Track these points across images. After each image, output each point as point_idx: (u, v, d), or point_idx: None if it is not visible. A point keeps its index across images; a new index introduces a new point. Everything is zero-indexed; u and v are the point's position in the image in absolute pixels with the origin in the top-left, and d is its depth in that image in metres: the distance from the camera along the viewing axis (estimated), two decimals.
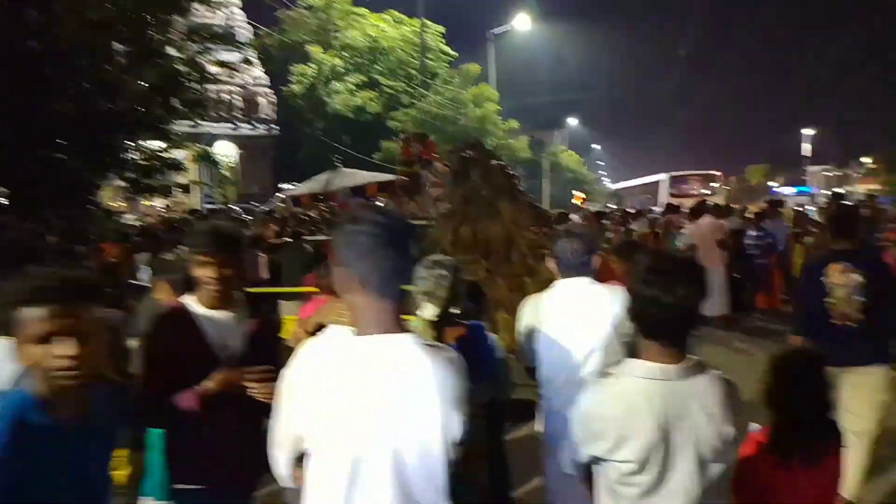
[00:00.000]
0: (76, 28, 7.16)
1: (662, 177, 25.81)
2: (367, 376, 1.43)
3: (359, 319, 1.48)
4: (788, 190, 63.90)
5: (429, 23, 31.32)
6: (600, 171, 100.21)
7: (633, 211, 14.00)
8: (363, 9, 31.86)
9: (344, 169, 17.57)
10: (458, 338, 2.51)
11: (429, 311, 2.47)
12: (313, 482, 1.47)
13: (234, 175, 26.33)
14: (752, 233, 10.07)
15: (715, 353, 7.67)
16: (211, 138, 25.96)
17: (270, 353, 2.36)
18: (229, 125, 26.52)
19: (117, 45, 9.07)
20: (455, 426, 1.47)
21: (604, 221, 11.08)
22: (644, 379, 1.67)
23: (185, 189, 11.09)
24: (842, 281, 3.54)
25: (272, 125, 27.34)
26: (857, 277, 3.50)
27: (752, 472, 2.12)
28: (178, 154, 11.51)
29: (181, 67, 9.80)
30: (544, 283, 8.00)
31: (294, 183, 35.32)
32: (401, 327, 1.49)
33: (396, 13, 32.00)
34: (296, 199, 16.73)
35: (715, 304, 9.71)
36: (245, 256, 2.54)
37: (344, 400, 1.43)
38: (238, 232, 2.45)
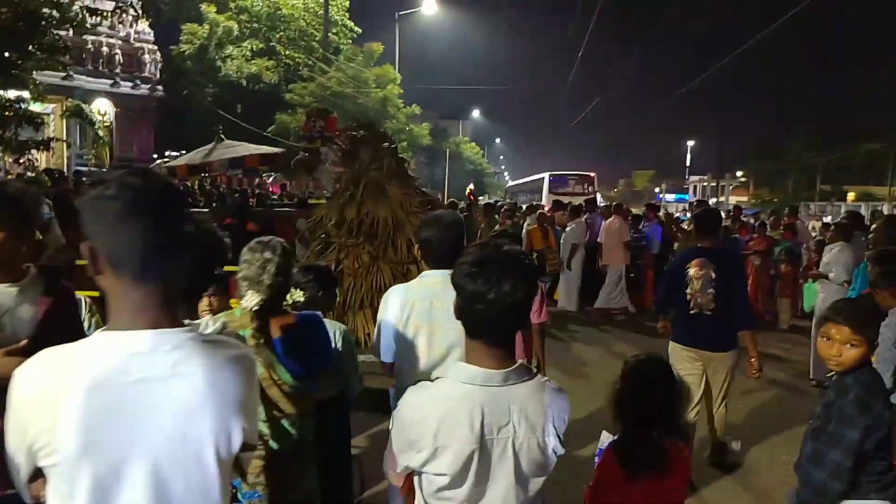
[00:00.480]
0: None
1: (545, 176, 27.77)
2: (121, 380, 1.14)
3: (112, 310, 1.18)
4: (670, 196, 68.59)
5: None
6: (502, 166, 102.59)
7: (524, 206, 14.29)
8: None
9: (228, 141, 16.64)
10: (285, 329, 2.24)
11: (250, 299, 2.18)
12: (55, 500, 1.15)
13: (109, 136, 24.20)
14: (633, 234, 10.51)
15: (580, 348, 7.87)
16: (86, 94, 23.67)
17: (69, 336, 1.98)
18: (107, 81, 24.28)
19: None
20: (235, 434, 1.23)
21: (496, 215, 11.13)
22: (465, 384, 1.50)
23: (45, 146, 9.83)
24: (698, 274, 4.02)
25: (156, 86, 25.32)
26: (710, 272, 3.99)
27: (604, 487, 2.02)
28: (42, 107, 10.25)
29: (44, 10, 8.66)
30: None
31: (181, 151, 33.35)
32: (171, 319, 1.20)
33: None
34: (172, 170, 15.61)
35: (615, 299, 10.10)
36: (34, 221, 2.12)
37: (93, 408, 1.12)
38: (22, 192, 2.03)
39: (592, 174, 27.87)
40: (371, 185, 8.21)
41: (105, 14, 10.22)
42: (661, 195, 70.28)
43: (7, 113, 8.92)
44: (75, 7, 9.86)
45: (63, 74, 10.00)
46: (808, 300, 7.34)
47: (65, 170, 22.15)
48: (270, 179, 22.02)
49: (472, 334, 1.55)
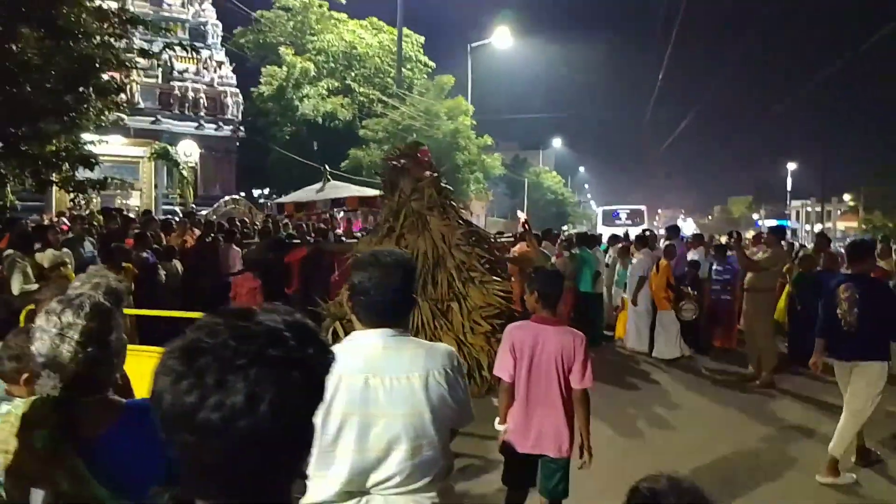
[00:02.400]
0: None
1: (598, 210, 30.11)
2: None
3: None
4: (771, 223, 64.25)
5: (409, 32, 30.70)
6: (587, 195, 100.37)
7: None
8: (343, 14, 31.17)
9: (334, 182, 16.79)
10: (103, 424, 1.56)
11: (42, 385, 1.56)
12: None
13: (194, 176, 25.29)
14: (716, 266, 9.29)
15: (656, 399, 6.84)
16: (172, 137, 24.92)
17: None
18: (192, 123, 25.50)
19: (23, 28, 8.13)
20: None
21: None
22: None
23: (101, 186, 10.02)
24: (845, 297, 4.72)
25: (238, 126, 26.34)
26: (855, 294, 4.68)
27: None
28: (101, 149, 10.52)
29: (97, 53, 8.83)
30: (473, 311, 7.04)
31: (263, 189, 34.58)
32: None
33: (376, 20, 31.33)
34: (281, 206, 16.34)
35: (669, 348, 8.94)
36: None
37: None
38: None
39: (643, 207, 30.08)
40: (411, 217, 7.69)
41: (157, 55, 10.37)
42: (759, 222, 66.13)
43: (63, 155, 9.10)
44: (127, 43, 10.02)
45: (117, 115, 10.13)
46: None
47: (152, 208, 23.32)
48: (342, 215, 22.06)
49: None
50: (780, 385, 7.31)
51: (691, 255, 10.09)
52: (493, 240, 8.73)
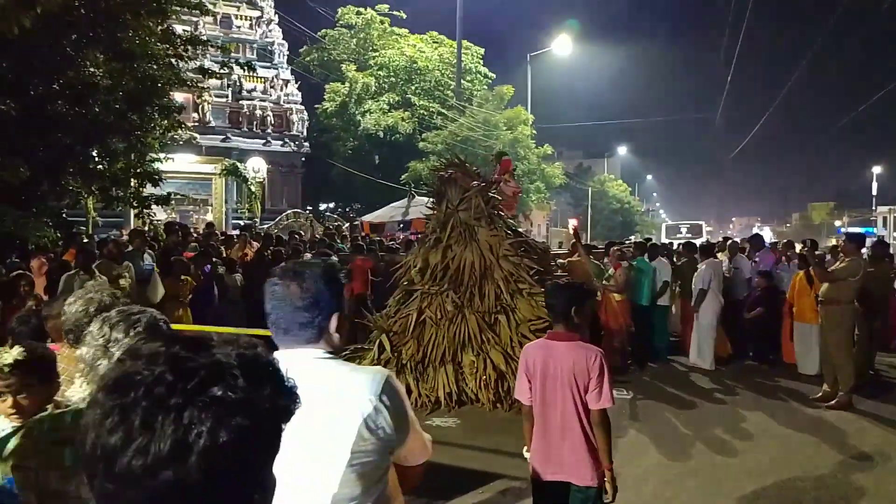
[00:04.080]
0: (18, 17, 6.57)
1: (662, 226, 33.29)
2: None
3: None
4: (854, 230, 60.35)
5: (468, 44, 30.80)
6: (656, 203, 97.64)
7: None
8: (403, 29, 31.64)
9: (419, 198, 16.91)
10: None
11: (76, 390, 1.54)
12: None
13: (261, 191, 26.14)
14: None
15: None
16: (241, 153, 25.88)
17: None
18: (260, 140, 26.44)
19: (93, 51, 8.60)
20: None
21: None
22: None
23: (164, 202, 10.42)
24: None
25: (303, 142, 27.13)
26: None
27: None
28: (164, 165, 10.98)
29: (160, 72, 9.24)
30: (522, 324, 6.86)
31: (329, 203, 35.39)
32: None
33: (436, 34, 31.63)
34: (358, 225, 16.90)
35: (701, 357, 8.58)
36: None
37: None
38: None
39: (702, 222, 33.61)
40: (459, 228, 7.58)
41: (216, 73, 10.74)
42: (842, 229, 62.42)
43: (129, 172, 9.53)
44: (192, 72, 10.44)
45: (190, 134, 10.58)
46: None
47: (223, 223, 24.24)
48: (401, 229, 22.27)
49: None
50: (858, 406, 6.75)
51: (763, 266, 9.56)
52: (542, 250, 8.48)
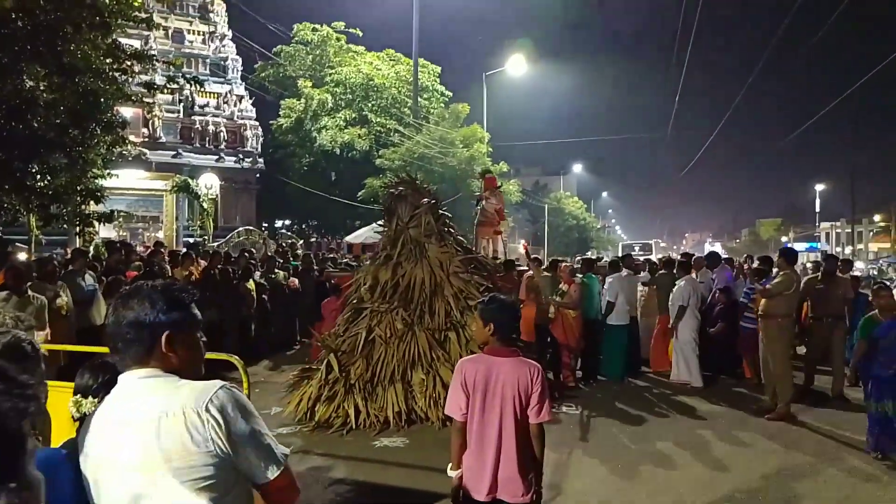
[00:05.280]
0: None
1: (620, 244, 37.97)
2: None
3: None
4: (800, 245, 62.72)
5: (425, 62, 31.02)
6: (612, 220, 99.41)
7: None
8: (360, 47, 31.70)
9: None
10: None
11: None
12: None
13: (214, 207, 25.64)
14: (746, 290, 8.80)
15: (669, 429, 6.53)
16: (193, 170, 25.39)
17: None
18: (213, 156, 26.00)
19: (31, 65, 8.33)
20: None
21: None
22: None
23: (107, 219, 10.11)
24: None
25: (257, 158, 26.79)
26: None
27: None
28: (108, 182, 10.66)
29: (103, 86, 8.99)
30: (472, 341, 6.85)
31: (285, 220, 34.93)
32: None
33: (393, 52, 31.79)
34: (349, 246, 16.79)
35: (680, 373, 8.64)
36: None
37: None
38: None
39: (652, 241, 38.31)
40: (409, 245, 7.57)
41: (161, 88, 10.53)
42: (788, 244, 64.73)
43: (70, 189, 9.22)
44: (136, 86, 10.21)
45: (139, 150, 10.27)
46: None
47: (174, 240, 23.64)
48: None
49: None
50: (800, 417, 6.95)
51: (720, 281, 9.71)
52: (492, 266, 8.52)
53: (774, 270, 7.75)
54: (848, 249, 58.94)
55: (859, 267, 35.16)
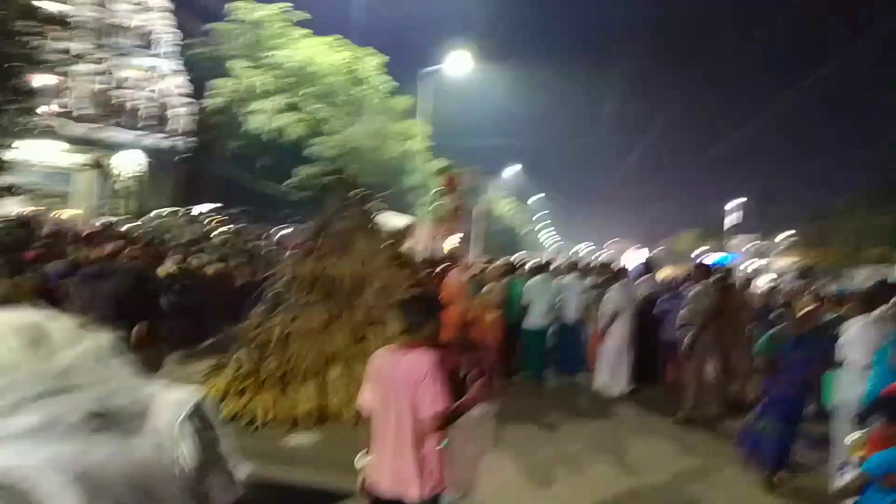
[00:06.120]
0: None
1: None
2: None
3: None
4: (715, 256, 65.91)
5: (373, 50, 30.55)
6: (545, 221, 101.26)
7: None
8: (307, 30, 30.82)
9: (387, 211, 15.96)
10: None
11: None
12: None
13: (138, 187, 24.41)
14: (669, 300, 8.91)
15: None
16: (113, 147, 24.06)
17: None
18: (138, 133, 24.72)
19: None
20: None
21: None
22: None
23: (8, 192, 9.41)
24: None
25: (185, 138, 25.67)
26: None
27: None
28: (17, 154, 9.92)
29: (12, 50, 8.34)
30: (393, 338, 6.78)
31: (205, 204, 33.58)
32: None
33: (341, 37, 31.07)
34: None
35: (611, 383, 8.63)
36: None
37: None
38: None
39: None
40: (334, 238, 7.41)
41: (82, 55, 9.86)
42: (700, 258, 67.74)
43: None
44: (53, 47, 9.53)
45: (30, 119, 9.50)
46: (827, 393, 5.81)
47: (88, 220, 22.35)
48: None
49: None
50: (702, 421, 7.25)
51: (644, 288, 9.92)
52: (420, 263, 8.48)
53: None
54: (761, 263, 62.39)
55: (771, 278, 37.33)
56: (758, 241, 66.93)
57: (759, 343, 5.68)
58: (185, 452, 1.32)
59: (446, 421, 2.86)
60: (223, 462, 1.45)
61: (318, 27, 30.75)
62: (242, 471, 1.51)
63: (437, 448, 2.91)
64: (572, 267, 10.05)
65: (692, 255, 70.21)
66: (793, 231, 63.41)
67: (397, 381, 2.86)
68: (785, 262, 63.78)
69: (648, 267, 10.92)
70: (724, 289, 8.32)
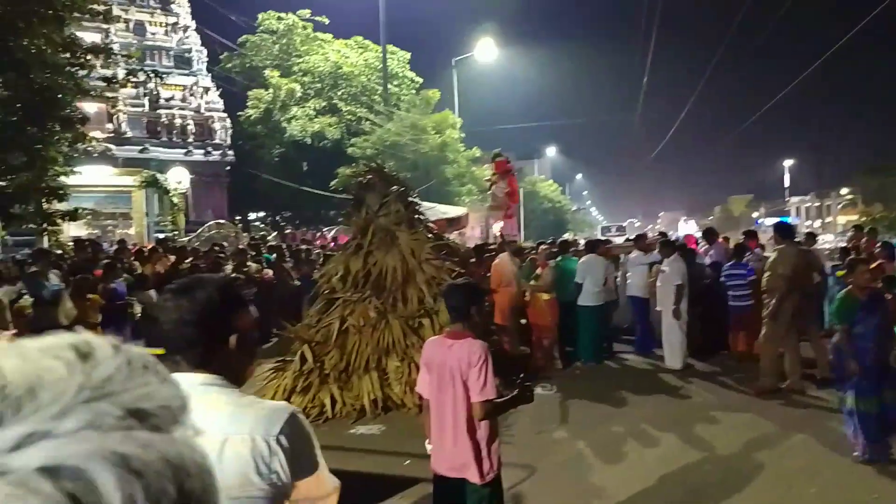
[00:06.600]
0: None
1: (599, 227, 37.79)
2: None
3: None
4: (771, 220, 63.90)
5: (394, 48, 30.77)
6: (587, 202, 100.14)
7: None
8: (328, 35, 31.30)
9: (425, 203, 16.23)
10: None
11: None
12: None
13: (185, 202, 25.23)
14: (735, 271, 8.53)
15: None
16: (161, 164, 24.94)
17: None
18: (181, 150, 25.54)
19: None
20: None
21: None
22: None
23: (71, 217, 9.93)
24: None
25: (227, 150, 26.40)
26: None
27: None
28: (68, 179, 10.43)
29: (60, 81, 8.78)
30: (445, 326, 6.92)
31: (258, 212, 34.55)
32: None
33: (361, 39, 31.45)
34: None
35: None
36: None
37: None
38: None
39: (625, 224, 40.23)
40: (379, 234, 7.55)
41: (122, 81, 10.29)
42: (759, 220, 65.81)
43: (30, 188, 9.00)
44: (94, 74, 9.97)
45: (93, 144, 9.97)
46: None
47: (145, 237, 23.26)
48: (332, 232, 22.03)
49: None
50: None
51: (710, 257, 9.68)
52: (464, 252, 8.55)
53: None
54: (818, 223, 60.17)
55: (828, 239, 35.95)
56: (814, 201, 64.59)
57: (833, 312, 5.19)
58: (279, 467, 1.40)
59: (491, 411, 2.96)
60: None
61: (334, 29, 31.16)
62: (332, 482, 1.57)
63: (490, 433, 3.01)
64: (637, 241, 9.88)
65: (747, 220, 68.30)
66: (849, 189, 60.83)
67: (450, 368, 2.96)
68: (843, 220, 61.39)
69: (709, 236, 10.60)
70: (803, 252, 7.83)
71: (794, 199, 72.05)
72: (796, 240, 8.35)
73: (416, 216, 7.69)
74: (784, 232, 7.39)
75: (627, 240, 13.83)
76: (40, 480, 0.34)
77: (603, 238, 18.83)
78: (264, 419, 1.40)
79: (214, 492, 0.44)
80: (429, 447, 3.14)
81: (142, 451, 0.41)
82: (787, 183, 67.92)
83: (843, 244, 11.66)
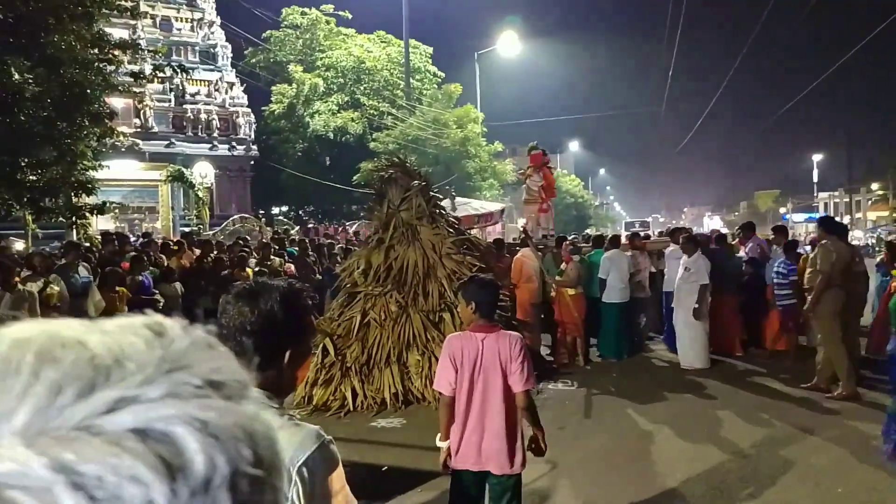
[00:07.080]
0: None
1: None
2: None
3: None
4: (799, 216, 62.62)
5: (416, 43, 30.77)
6: (610, 196, 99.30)
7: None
8: (350, 29, 31.41)
9: (459, 198, 16.32)
10: None
11: None
12: None
13: (209, 196, 25.53)
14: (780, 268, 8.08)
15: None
16: (187, 159, 25.26)
17: None
18: (206, 145, 25.84)
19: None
20: None
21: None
22: None
23: (99, 211, 10.11)
24: None
25: (251, 145, 26.63)
26: None
27: None
28: (102, 173, 10.62)
29: (89, 77, 8.93)
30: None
31: (282, 206, 34.84)
32: None
33: (384, 34, 31.50)
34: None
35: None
36: None
37: None
38: None
39: (650, 219, 38.05)
40: (401, 228, 7.57)
41: (149, 76, 10.41)
42: (786, 215, 64.65)
43: (60, 182, 9.19)
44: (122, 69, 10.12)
45: (121, 139, 10.18)
46: None
47: (171, 231, 23.60)
48: (354, 227, 22.15)
49: None
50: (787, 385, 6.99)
51: (748, 253, 9.37)
52: (485, 247, 8.54)
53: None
54: (846, 219, 58.95)
55: (857, 235, 35.29)
56: (843, 197, 63.15)
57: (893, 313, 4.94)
58: (296, 497, 1.39)
59: (531, 401, 3.00)
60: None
61: (357, 24, 31.26)
62: None
63: (529, 420, 3.06)
64: (674, 235, 9.63)
65: (773, 216, 67.09)
66: (879, 184, 59.41)
67: (484, 362, 2.96)
68: (873, 216, 60.01)
69: (746, 230, 10.22)
70: (851, 247, 7.42)
71: (823, 195, 70.56)
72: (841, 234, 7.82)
73: (437, 211, 7.69)
74: (829, 226, 6.99)
75: (660, 234, 13.59)
76: (132, 440, 0.37)
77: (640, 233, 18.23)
78: (291, 446, 1.37)
79: (281, 462, 0.46)
80: (441, 444, 3.13)
81: (219, 417, 0.44)
82: (815, 178, 66.46)
83: (874, 239, 11.31)
